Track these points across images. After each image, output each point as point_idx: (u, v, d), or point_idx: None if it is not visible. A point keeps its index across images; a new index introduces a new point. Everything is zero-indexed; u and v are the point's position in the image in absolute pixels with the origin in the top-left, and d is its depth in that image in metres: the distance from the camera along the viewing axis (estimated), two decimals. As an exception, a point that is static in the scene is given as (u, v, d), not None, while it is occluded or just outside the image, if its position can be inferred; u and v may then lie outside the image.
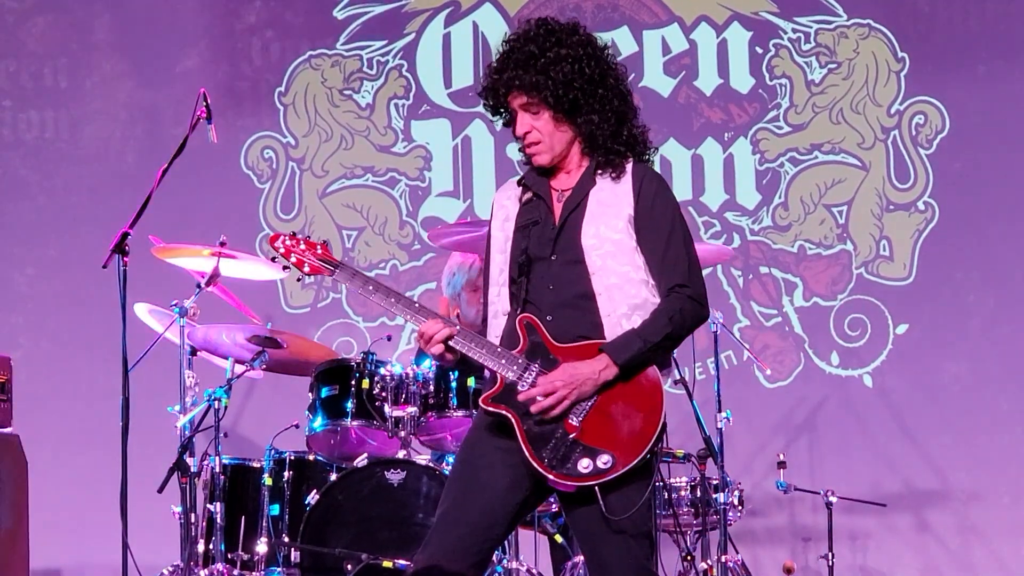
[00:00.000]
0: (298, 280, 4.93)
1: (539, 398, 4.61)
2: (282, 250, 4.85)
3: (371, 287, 4.79)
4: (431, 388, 6.67)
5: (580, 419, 4.61)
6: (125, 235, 6.18)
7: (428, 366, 6.71)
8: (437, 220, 8.61)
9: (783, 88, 8.74)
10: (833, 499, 7.53)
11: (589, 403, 4.62)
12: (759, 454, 8.40)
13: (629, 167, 4.79)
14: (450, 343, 4.70)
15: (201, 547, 6.70)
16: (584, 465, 4.59)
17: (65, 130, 9.07)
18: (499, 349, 4.69)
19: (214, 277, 6.80)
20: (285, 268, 4.88)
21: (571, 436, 4.60)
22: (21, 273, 9.00)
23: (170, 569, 6.78)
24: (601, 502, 4.57)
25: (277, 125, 8.94)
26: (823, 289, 8.67)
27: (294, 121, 8.94)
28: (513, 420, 4.64)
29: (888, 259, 8.65)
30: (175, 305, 6.76)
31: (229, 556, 6.73)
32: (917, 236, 8.63)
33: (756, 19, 8.78)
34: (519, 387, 4.64)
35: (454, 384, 6.64)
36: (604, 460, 4.58)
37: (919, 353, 8.58)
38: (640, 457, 4.59)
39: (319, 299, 8.82)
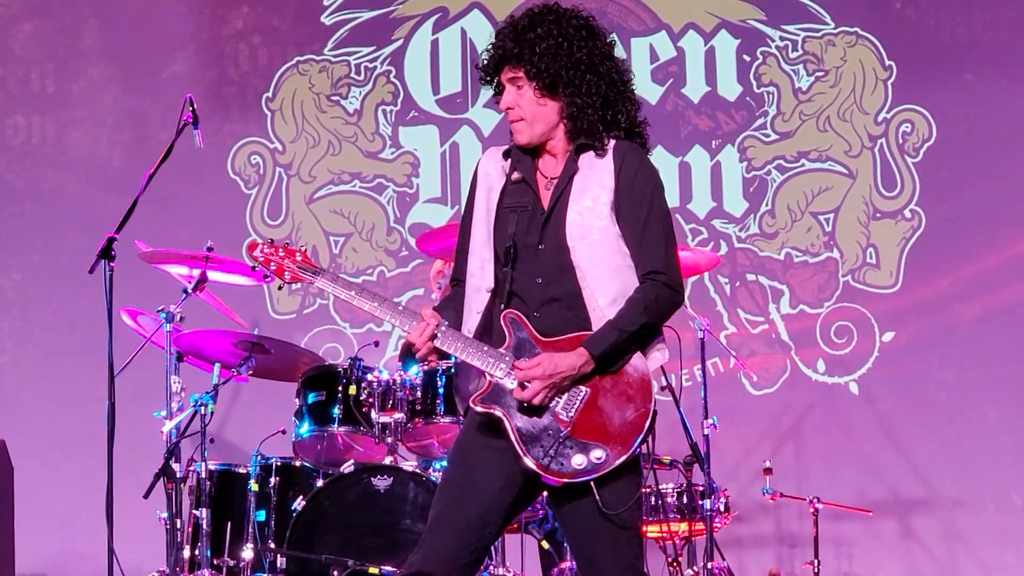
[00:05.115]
0: (280, 288, 4.90)
1: (519, 388, 4.62)
2: (261, 258, 4.79)
3: (354, 292, 4.75)
4: (418, 394, 6.67)
5: (571, 415, 4.62)
6: (111, 240, 6.17)
7: (415, 372, 6.71)
8: (425, 226, 8.61)
9: (770, 96, 8.75)
10: (819, 506, 7.54)
11: (579, 398, 4.63)
12: (745, 461, 8.40)
13: (611, 147, 4.77)
14: (436, 343, 4.70)
15: (187, 553, 6.69)
16: (578, 461, 4.59)
17: (52, 135, 9.06)
18: (485, 348, 4.68)
19: (201, 282, 6.79)
20: (265, 277, 4.83)
21: (563, 432, 4.61)
22: (7, 278, 8.99)
23: (156, 575, 6.77)
24: (597, 496, 4.57)
25: (264, 131, 8.94)
26: (810, 296, 8.68)
27: (281, 127, 8.94)
28: (504, 419, 4.64)
29: (875, 267, 8.66)
30: (161, 310, 6.76)
31: (215, 562, 6.72)
32: (904, 244, 8.64)
33: (744, 27, 8.79)
34: (508, 386, 4.65)
35: (441, 390, 6.65)
36: (597, 455, 4.59)
37: (905, 361, 8.59)
38: (632, 449, 4.60)
39: (306, 305, 8.82)
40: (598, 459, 4.58)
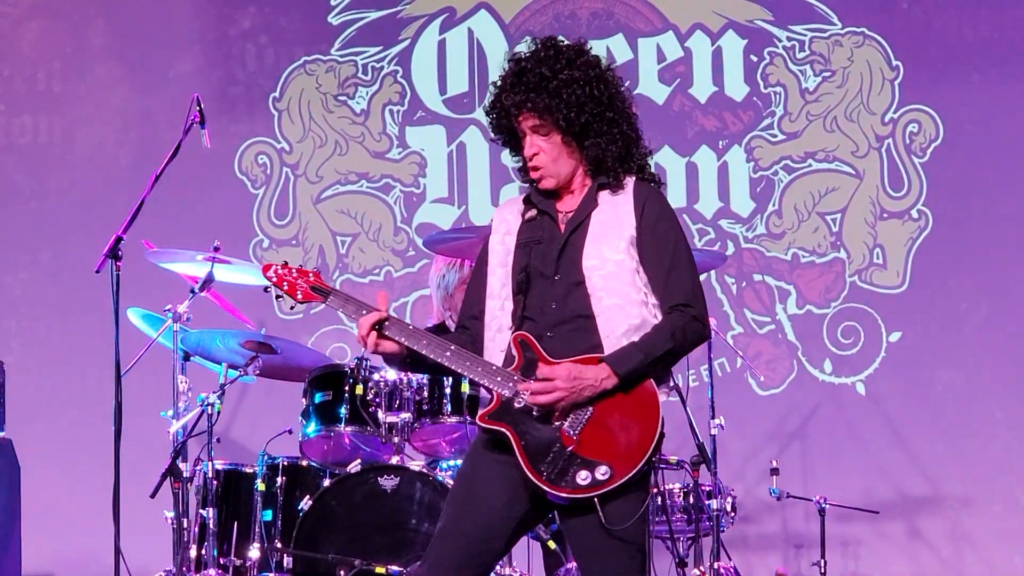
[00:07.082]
0: (291, 308, 4.97)
1: (536, 388, 4.64)
2: (274, 279, 4.88)
3: (364, 312, 4.81)
4: (425, 394, 6.67)
5: (577, 432, 4.63)
6: (118, 240, 6.18)
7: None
8: (432, 226, 8.62)
9: (777, 96, 8.75)
10: (826, 506, 7.53)
11: (586, 415, 4.64)
12: (752, 461, 8.40)
13: (630, 186, 4.81)
14: (445, 363, 4.71)
15: (193, 552, 6.70)
16: (583, 477, 4.60)
17: (59, 135, 9.06)
18: (494, 367, 4.71)
19: (208, 282, 6.80)
20: (278, 297, 4.91)
21: (569, 449, 4.61)
22: (14, 277, 9.00)
23: (162, 574, 6.78)
24: (600, 513, 4.58)
25: (271, 130, 8.94)
26: (816, 297, 8.67)
27: (288, 127, 8.94)
28: (511, 436, 4.65)
29: (881, 267, 8.65)
30: (168, 310, 6.76)
31: (221, 561, 6.73)
32: (910, 244, 8.64)
33: (751, 27, 8.79)
34: (515, 404, 4.66)
35: (448, 390, 6.65)
36: (602, 471, 4.59)
37: (912, 361, 8.58)
38: (638, 468, 4.61)
39: (312, 305, 8.78)
40: (603, 475, 4.59)
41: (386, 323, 4.74)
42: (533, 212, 4.86)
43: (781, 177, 8.73)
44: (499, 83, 4.82)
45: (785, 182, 8.73)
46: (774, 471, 7.48)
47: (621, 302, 4.69)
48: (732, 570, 7.11)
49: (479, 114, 8.83)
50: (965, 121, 8.65)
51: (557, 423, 4.65)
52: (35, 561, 7.94)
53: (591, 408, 4.64)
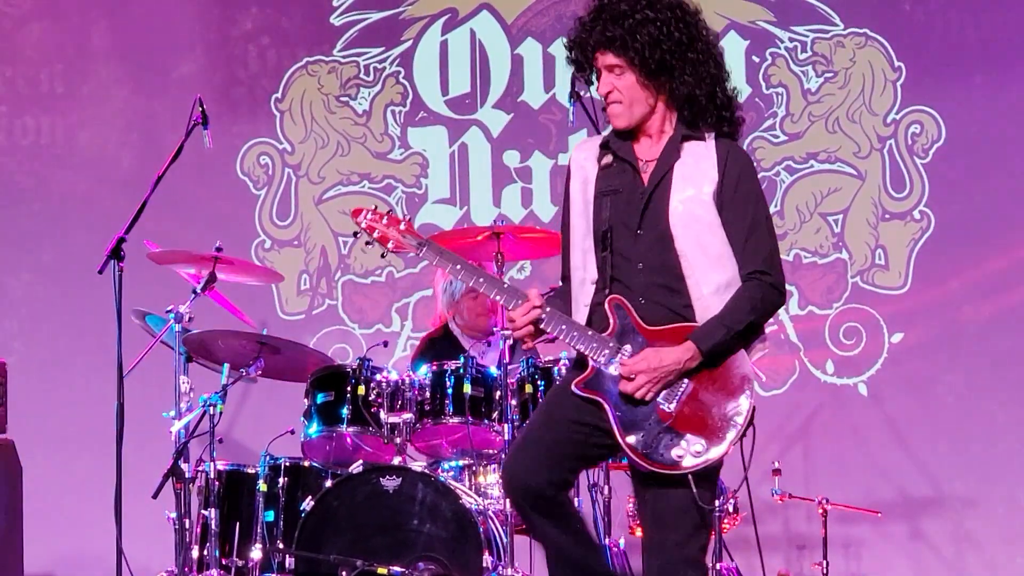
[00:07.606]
0: (382, 256, 4.86)
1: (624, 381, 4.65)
2: (364, 225, 4.78)
3: (459, 266, 4.78)
4: (427, 395, 6.68)
5: (672, 406, 4.63)
6: (121, 240, 6.20)
7: (424, 373, 6.71)
8: (434, 227, 8.61)
9: (779, 97, 8.75)
10: (828, 507, 7.53)
11: (681, 389, 4.64)
12: (754, 461, 8.36)
13: (711, 140, 4.77)
14: (540, 326, 4.70)
15: (196, 553, 6.70)
16: (677, 453, 4.62)
17: (61, 136, 9.07)
18: (590, 332, 4.69)
19: (210, 283, 6.80)
20: (368, 243, 4.80)
21: (665, 424, 4.62)
22: (16, 278, 9.00)
23: (164, 575, 6.78)
24: (695, 489, 4.60)
25: (273, 131, 8.94)
26: (818, 298, 8.67)
27: (290, 127, 8.94)
28: (607, 406, 4.66)
29: (883, 268, 8.65)
30: (170, 311, 6.77)
31: (224, 562, 6.72)
32: (912, 245, 8.63)
33: (753, 28, 8.79)
34: (610, 371, 4.65)
35: (450, 391, 6.65)
36: (696, 449, 4.62)
37: (914, 362, 8.58)
38: (729, 444, 4.65)
39: (314, 305, 8.82)
40: (697, 453, 4.62)
41: (542, 320, 4.72)
42: (609, 158, 4.81)
43: (783, 178, 8.73)
44: (581, 20, 4.78)
45: (787, 183, 8.72)
46: (776, 471, 7.49)
47: (707, 258, 4.68)
48: (734, 570, 7.11)
49: (481, 114, 8.84)
50: (967, 122, 8.64)
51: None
52: (37, 562, 7.94)
53: (687, 381, 4.65)
